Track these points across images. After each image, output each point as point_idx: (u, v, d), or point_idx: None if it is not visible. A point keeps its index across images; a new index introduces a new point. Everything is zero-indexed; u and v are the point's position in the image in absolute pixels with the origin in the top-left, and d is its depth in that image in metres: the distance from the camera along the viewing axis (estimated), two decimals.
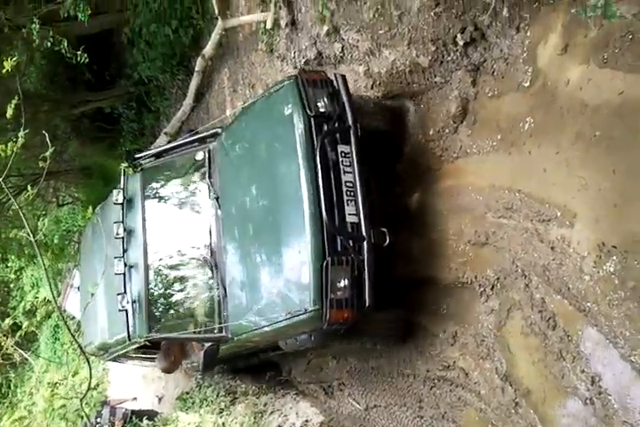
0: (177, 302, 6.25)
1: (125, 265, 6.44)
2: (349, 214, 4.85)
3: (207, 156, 6.03)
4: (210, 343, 5.80)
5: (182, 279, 6.24)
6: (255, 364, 7.93)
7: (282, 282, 4.96)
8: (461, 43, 4.89)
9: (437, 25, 5.00)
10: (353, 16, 5.73)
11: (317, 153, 4.83)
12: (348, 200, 4.86)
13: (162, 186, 6.72)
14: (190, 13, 8.48)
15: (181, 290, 6.21)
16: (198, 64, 8.50)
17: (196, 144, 6.38)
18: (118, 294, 6.29)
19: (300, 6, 6.44)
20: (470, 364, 5.09)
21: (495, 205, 4.74)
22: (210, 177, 5.94)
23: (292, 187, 4.91)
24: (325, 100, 5.03)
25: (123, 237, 6.52)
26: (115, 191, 6.71)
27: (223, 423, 7.88)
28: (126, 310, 6.21)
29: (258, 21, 7.18)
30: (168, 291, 6.33)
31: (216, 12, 7.69)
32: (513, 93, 4.67)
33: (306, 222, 4.78)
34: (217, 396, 8.44)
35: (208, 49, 8.19)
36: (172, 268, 6.30)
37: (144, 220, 6.46)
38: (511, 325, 4.64)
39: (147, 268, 6.34)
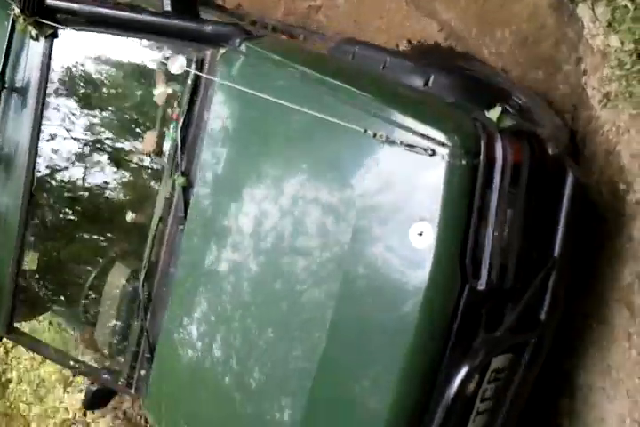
0: (72, 295, 3.72)
1: None
2: None
3: (194, 71, 2.89)
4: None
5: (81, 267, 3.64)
6: None
7: None
8: None
9: None
10: None
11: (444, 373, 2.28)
12: None
13: (83, 83, 3.50)
14: None
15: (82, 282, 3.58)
16: None
17: (179, 32, 3.02)
18: None
19: None
20: None
21: None
22: (185, 129, 2.91)
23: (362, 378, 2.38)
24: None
25: None
26: None
27: None
28: None
29: None
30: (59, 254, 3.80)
31: None
32: None
33: None
34: None
35: None
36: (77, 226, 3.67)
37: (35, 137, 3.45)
38: None
39: (29, 192, 3.50)
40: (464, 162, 2.17)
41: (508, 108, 2.74)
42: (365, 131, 2.31)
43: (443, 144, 2.19)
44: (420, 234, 2.21)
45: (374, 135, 2.29)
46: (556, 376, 2.92)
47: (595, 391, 2.89)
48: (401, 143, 2.25)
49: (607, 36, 2.81)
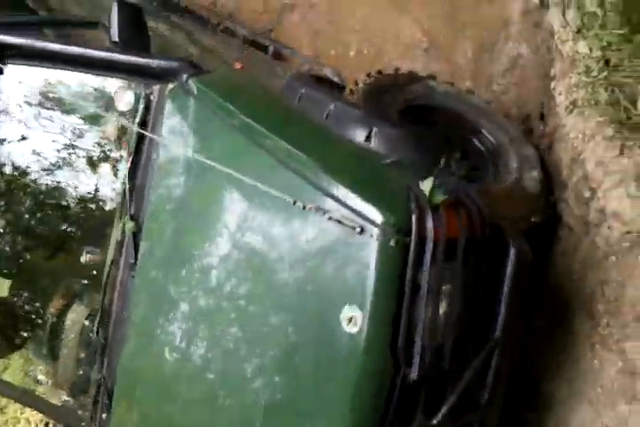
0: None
1: None
2: None
3: (144, 112, 2.74)
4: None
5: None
6: None
7: None
8: None
9: None
10: None
11: None
12: None
13: (33, 120, 3.28)
14: None
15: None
16: None
17: (125, 67, 2.85)
18: None
19: None
20: None
21: None
22: (133, 170, 2.76)
23: None
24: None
25: None
26: None
27: None
28: None
29: None
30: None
31: None
32: None
33: None
34: None
35: None
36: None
37: None
38: None
39: None
40: (394, 241, 2.03)
41: (471, 146, 2.62)
42: (295, 202, 2.18)
43: (372, 222, 2.05)
44: (350, 319, 2.11)
45: (304, 207, 2.17)
46: (521, 387, 2.84)
47: (558, 401, 2.84)
48: (330, 218, 2.13)
49: (576, 42, 2.73)
